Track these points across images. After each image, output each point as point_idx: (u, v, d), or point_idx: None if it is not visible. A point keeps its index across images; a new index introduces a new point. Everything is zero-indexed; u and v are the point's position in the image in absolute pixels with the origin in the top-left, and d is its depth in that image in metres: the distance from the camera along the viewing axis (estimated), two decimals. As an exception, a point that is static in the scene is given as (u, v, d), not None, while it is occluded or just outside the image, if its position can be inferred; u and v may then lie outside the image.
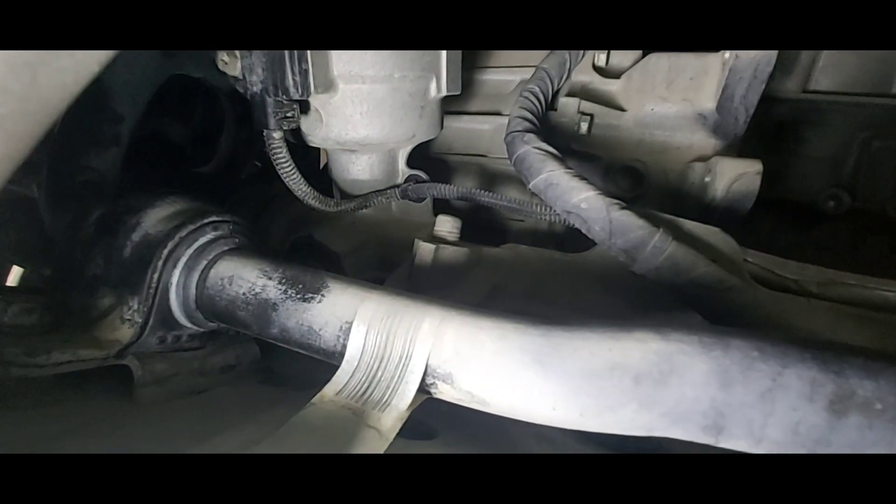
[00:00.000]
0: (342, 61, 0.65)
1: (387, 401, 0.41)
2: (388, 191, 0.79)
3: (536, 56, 0.83)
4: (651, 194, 0.82)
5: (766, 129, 0.89)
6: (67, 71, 0.32)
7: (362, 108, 0.69)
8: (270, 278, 0.55)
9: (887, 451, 0.26)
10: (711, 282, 0.52)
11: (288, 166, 0.68)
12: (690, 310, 0.55)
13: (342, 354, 0.46)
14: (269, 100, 0.62)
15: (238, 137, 0.99)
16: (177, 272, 0.58)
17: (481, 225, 0.97)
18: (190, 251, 0.59)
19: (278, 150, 0.66)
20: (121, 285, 0.58)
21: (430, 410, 0.48)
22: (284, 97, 0.62)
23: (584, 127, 0.82)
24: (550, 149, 0.63)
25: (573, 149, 0.85)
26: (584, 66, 0.83)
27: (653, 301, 0.61)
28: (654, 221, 0.54)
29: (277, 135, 0.65)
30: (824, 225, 0.91)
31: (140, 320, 0.58)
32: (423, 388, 0.43)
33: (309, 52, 0.60)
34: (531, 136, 0.66)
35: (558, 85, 0.80)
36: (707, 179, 0.73)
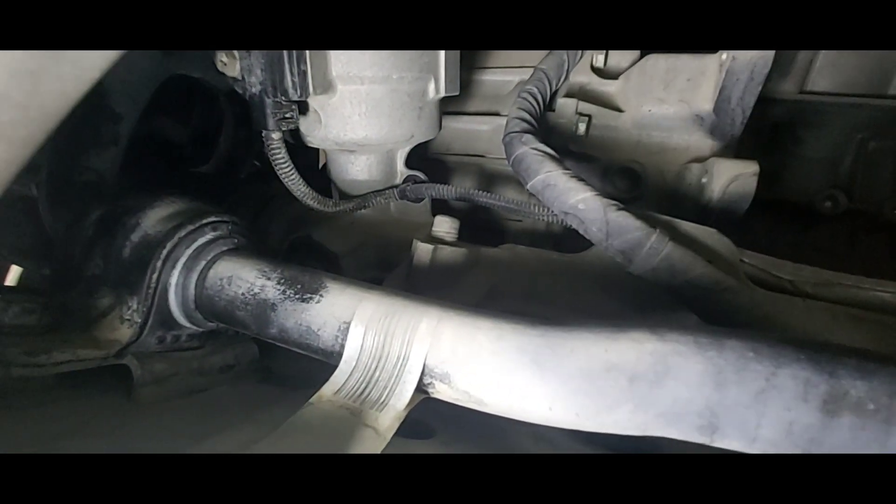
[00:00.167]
0: (340, 62, 0.65)
1: (384, 400, 0.42)
2: (387, 191, 0.80)
3: (535, 57, 0.83)
4: (649, 195, 0.82)
5: (763, 130, 0.89)
6: (68, 78, 0.33)
7: (361, 108, 0.69)
8: (269, 278, 0.55)
9: (880, 451, 0.26)
10: (708, 283, 0.53)
11: (287, 167, 0.68)
12: (687, 310, 0.55)
13: (340, 354, 0.46)
14: (268, 100, 0.62)
15: (237, 137, 0.99)
16: (176, 272, 0.59)
17: (480, 225, 0.97)
18: (189, 251, 0.59)
19: (277, 151, 0.66)
20: (120, 285, 0.58)
21: (428, 410, 0.48)
22: (283, 98, 0.62)
23: (581, 128, 0.82)
24: (548, 150, 0.63)
25: (571, 149, 0.85)
26: (583, 67, 0.83)
27: (650, 302, 0.61)
28: (651, 222, 0.55)
29: (276, 135, 0.65)
30: (822, 226, 0.92)
31: (139, 320, 0.58)
32: (421, 388, 0.43)
33: (308, 52, 0.61)
34: (529, 136, 0.66)
35: (556, 86, 0.80)
36: (704, 180, 0.73)
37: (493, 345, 0.41)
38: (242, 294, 0.55)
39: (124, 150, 0.73)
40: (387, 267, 0.78)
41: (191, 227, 0.59)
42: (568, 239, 0.88)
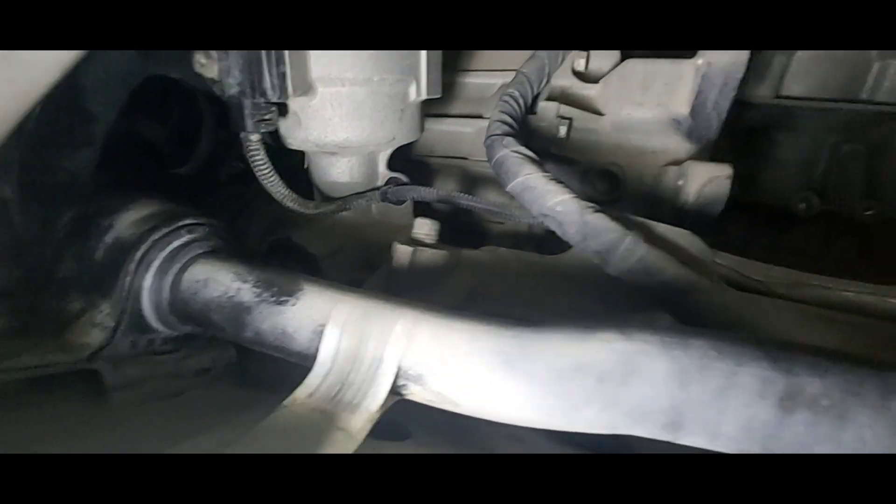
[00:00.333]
0: (320, 64, 0.65)
1: (357, 402, 0.41)
2: (368, 193, 0.79)
3: (517, 60, 0.84)
4: (628, 197, 0.83)
5: (739, 134, 0.91)
6: (19, 81, 0.32)
7: (341, 110, 0.69)
8: (245, 281, 0.55)
9: (833, 445, 0.27)
10: (682, 284, 0.54)
11: (266, 168, 0.67)
12: (663, 310, 0.56)
13: (316, 357, 0.46)
14: (247, 102, 0.62)
15: (217, 138, 0.98)
16: (149, 276, 0.58)
17: (462, 227, 0.98)
18: (163, 254, 0.58)
19: (256, 153, 0.65)
20: (92, 288, 0.57)
21: (408, 413, 0.48)
22: (262, 100, 0.61)
23: (562, 131, 0.83)
24: (528, 152, 0.64)
25: (552, 152, 0.86)
26: (564, 71, 0.84)
27: (630, 303, 0.62)
28: (627, 224, 0.55)
29: (255, 137, 0.64)
30: (797, 227, 0.94)
31: (111, 324, 0.57)
32: (395, 390, 0.43)
33: (287, 53, 0.60)
34: (510, 139, 0.66)
35: (538, 89, 0.81)
36: (680, 183, 0.74)
37: (467, 346, 0.41)
38: (218, 297, 0.55)
39: (100, 150, 0.72)
40: (368, 269, 0.78)
41: (166, 230, 0.58)
42: (549, 241, 0.89)
